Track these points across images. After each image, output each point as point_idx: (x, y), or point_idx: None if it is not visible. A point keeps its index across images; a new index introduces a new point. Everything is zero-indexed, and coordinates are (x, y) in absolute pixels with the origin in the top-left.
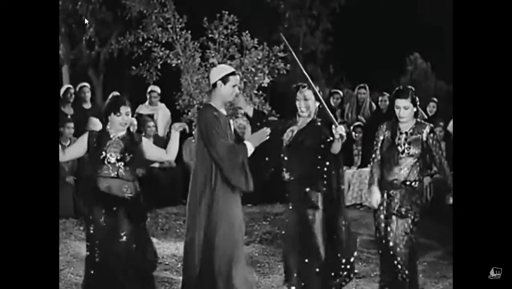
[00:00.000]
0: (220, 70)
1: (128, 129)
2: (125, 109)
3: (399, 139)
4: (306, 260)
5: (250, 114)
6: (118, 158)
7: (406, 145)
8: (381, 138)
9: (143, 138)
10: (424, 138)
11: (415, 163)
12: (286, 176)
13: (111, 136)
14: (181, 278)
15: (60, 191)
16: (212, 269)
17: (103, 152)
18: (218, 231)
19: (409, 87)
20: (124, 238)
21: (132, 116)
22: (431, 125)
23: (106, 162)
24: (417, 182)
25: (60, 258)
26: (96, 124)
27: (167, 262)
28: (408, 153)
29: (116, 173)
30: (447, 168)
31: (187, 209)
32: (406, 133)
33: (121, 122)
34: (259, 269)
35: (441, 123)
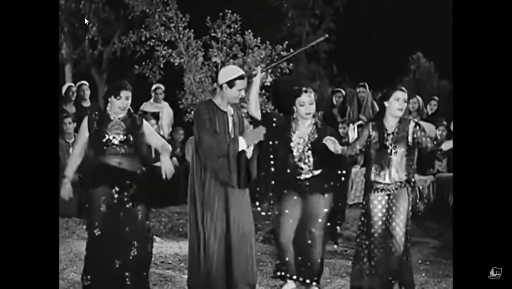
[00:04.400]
0: (227, 73)
1: (129, 110)
2: (125, 94)
3: (386, 140)
4: None
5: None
6: (122, 140)
7: (393, 145)
8: (366, 133)
9: (144, 121)
10: (410, 134)
11: (406, 162)
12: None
13: (111, 117)
14: (184, 277)
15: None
16: (211, 266)
17: (106, 135)
18: (211, 226)
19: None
20: (140, 216)
21: (136, 113)
22: (415, 120)
23: (109, 144)
24: (411, 182)
25: (62, 257)
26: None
27: (169, 261)
28: (395, 152)
29: (124, 151)
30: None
31: (188, 205)
32: (392, 133)
33: (120, 106)
34: (261, 268)
35: (444, 122)
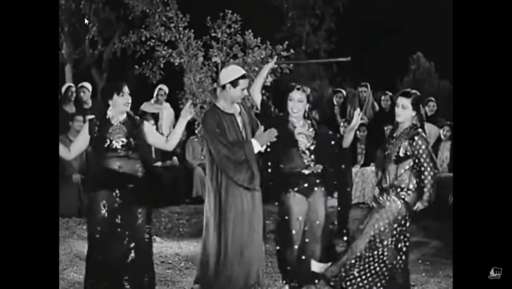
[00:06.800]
0: (230, 73)
1: (127, 113)
2: (126, 89)
3: (388, 145)
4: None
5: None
6: (123, 143)
7: (388, 150)
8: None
9: (144, 121)
10: (406, 144)
11: (405, 169)
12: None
13: (113, 122)
14: (184, 277)
15: (64, 190)
16: (225, 268)
17: (107, 140)
18: (227, 227)
19: (415, 91)
20: (140, 220)
21: (136, 113)
22: (420, 130)
23: (112, 148)
24: (408, 189)
25: (63, 257)
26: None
27: (169, 261)
28: (390, 158)
29: (126, 154)
30: (429, 184)
31: (205, 207)
32: (393, 137)
33: (125, 103)
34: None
35: (449, 122)
